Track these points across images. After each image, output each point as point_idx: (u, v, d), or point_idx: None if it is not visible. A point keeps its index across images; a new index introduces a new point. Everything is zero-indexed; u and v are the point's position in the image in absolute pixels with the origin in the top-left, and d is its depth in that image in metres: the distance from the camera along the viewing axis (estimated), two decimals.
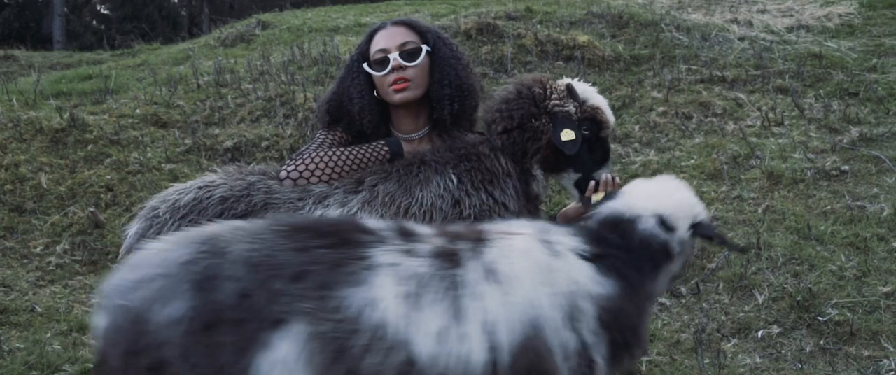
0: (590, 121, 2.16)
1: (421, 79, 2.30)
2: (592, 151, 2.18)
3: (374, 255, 1.50)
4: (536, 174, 2.20)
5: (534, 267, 1.54)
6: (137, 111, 5.06)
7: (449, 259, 1.53)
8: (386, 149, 2.25)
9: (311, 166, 2.17)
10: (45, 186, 4.16)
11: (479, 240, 1.59)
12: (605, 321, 1.56)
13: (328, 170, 2.17)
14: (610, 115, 2.22)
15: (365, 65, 2.32)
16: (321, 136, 2.35)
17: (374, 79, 2.33)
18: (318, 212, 2.04)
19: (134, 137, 4.68)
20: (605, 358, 1.57)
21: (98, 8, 24.63)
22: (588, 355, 1.54)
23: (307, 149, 2.28)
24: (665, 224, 1.75)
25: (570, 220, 2.24)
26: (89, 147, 4.50)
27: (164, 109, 5.12)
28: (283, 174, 2.15)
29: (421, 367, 1.43)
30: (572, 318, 1.53)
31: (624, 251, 1.68)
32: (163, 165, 4.42)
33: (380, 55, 2.30)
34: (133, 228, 2.05)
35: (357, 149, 2.24)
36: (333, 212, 2.03)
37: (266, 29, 8.03)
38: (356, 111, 2.30)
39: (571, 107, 2.15)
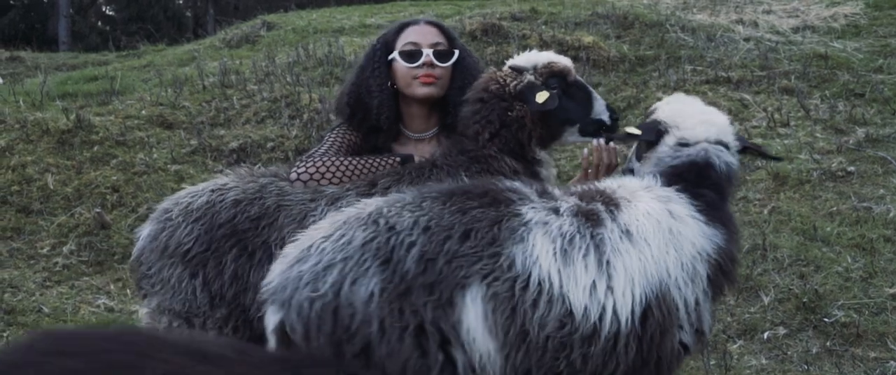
0: (550, 77, 2.18)
1: (445, 80, 2.35)
2: (573, 98, 2.19)
3: (525, 213, 1.62)
4: (541, 157, 2.20)
5: (660, 229, 1.67)
6: (143, 112, 5.07)
7: (589, 218, 1.65)
8: (397, 160, 2.26)
9: (322, 169, 2.19)
10: (51, 187, 4.17)
11: (611, 202, 1.71)
12: (715, 269, 1.71)
13: (339, 175, 2.18)
14: (563, 60, 2.25)
15: (396, 54, 2.33)
16: (330, 138, 2.35)
17: (398, 70, 2.34)
18: (333, 214, 2.04)
19: (140, 138, 4.70)
20: (711, 299, 1.74)
21: (103, 9, 24.70)
22: (702, 305, 1.70)
23: (316, 151, 2.29)
24: (726, 147, 1.89)
25: None
26: (95, 148, 4.52)
27: (169, 110, 5.14)
28: (294, 176, 2.16)
29: (576, 319, 1.54)
30: (693, 277, 1.67)
31: (715, 192, 1.79)
32: (168, 166, 4.43)
33: (411, 48, 2.33)
34: (145, 230, 2.07)
35: (369, 158, 2.25)
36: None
37: (271, 30, 8.04)
38: (375, 104, 2.32)
39: (529, 77, 2.17)
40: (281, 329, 1.57)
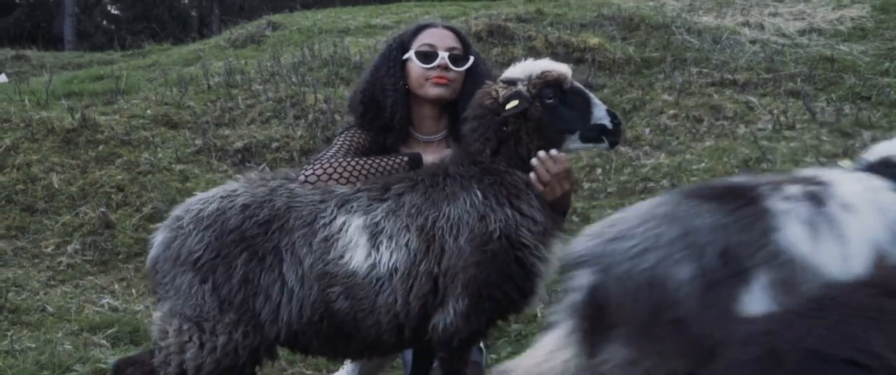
0: (545, 87, 2.12)
1: (458, 84, 2.38)
2: (571, 106, 2.14)
3: (772, 203, 1.82)
4: None
5: (869, 203, 1.86)
6: (148, 112, 5.08)
7: (815, 200, 1.83)
8: (405, 160, 2.28)
9: (330, 170, 2.20)
10: (56, 186, 4.18)
11: (823, 183, 1.88)
12: None
13: (346, 175, 2.20)
14: (558, 68, 2.19)
15: (411, 54, 2.36)
16: (339, 140, 2.37)
17: (412, 70, 2.37)
18: (341, 219, 2.04)
19: (145, 138, 4.70)
20: None
21: (108, 8, 24.75)
22: None
23: (325, 153, 2.31)
24: None
25: None
26: (100, 147, 4.52)
27: (174, 110, 5.14)
28: (302, 178, 2.18)
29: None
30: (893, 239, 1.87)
31: None
32: (173, 166, 4.43)
33: (427, 49, 2.36)
34: (158, 238, 2.09)
35: (377, 159, 2.27)
36: (357, 219, 2.03)
37: (276, 30, 8.05)
38: (389, 104, 2.35)
39: (521, 88, 2.13)
40: (594, 290, 1.85)
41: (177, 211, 2.11)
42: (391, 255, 2.00)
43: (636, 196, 4.30)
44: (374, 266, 2.00)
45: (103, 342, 3.08)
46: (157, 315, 2.08)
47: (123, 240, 3.86)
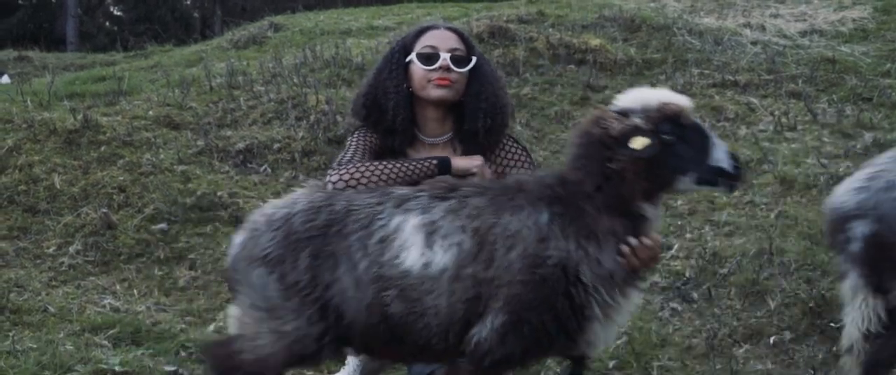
0: (663, 122, 1.94)
1: (460, 85, 2.37)
2: (688, 143, 1.94)
3: None
4: (647, 213, 1.98)
5: None
6: (150, 112, 5.09)
7: None
8: (434, 163, 2.28)
9: (357, 175, 2.22)
10: (58, 187, 4.19)
11: None
12: None
13: (374, 179, 2.21)
14: (678, 100, 2.00)
15: (413, 56, 2.36)
16: (353, 142, 2.39)
17: (414, 72, 2.37)
18: (398, 218, 2.01)
19: (146, 139, 4.71)
20: None
21: (111, 9, 24.78)
22: None
23: (343, 157, 2.33)
24: None
25: None
26: (102, 148, 4.53)
27: (176, 111, 5.15)
28: (329, 184, 2.21)
29: None
30: None
31: None
32: (175, 166, 4.44)
33: (429, 50, 2.36)
34: (238, 238, 2.17)
35: (407, 162, 2.27)
36: (414, 218, 2.00)
37: (278, 31, 8.06)
38: (391, 106, 2.35)
39: (637, 121, 1.95)
40: (871, 238, 2.18)
41: (253, 216, 2.19)
42: (443, 253, 1.95)
43: None
44: (426, 265, 1.95)
45: (105, 342, 3.08)
46: (233, 310, 2.17)
47: (125, 241, 3.87)
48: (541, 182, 2.04)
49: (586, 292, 1.93)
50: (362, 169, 2.22)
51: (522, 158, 2.45)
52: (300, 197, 2.15)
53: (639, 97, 2.00)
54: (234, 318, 2.17)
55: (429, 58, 2.35)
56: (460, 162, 2.32)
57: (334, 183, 2.20)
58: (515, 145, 2.47)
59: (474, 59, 2.39)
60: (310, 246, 2.03)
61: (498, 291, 1.93)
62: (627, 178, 1.93)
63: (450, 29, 2.44)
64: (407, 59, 2.39)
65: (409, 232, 1.98)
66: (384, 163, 2.26)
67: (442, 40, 2.38)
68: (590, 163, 1.97)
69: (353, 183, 2.20)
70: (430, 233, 1.97)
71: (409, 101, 2.38)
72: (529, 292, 1.91)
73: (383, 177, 2.22)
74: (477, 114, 2.35)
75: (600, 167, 1.95)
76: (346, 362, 2.80)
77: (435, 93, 2.34)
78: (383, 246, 1.98)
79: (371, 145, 2.38)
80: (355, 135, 2.42)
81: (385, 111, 2.36)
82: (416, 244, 1.96)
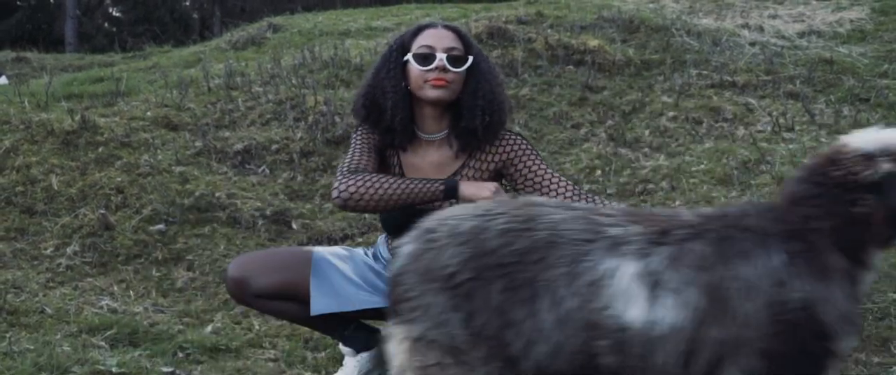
0: None
1: (457, 85, 2.38)
2: None
3: None
4: (873, 262, 1.84)
5: None
6: (148, 113, 5.09)
7: None
8: (441, 188, 2.27)
9: (362, 190, 2.23)
10: (55, 188, 4.19)
11: None
12: None
13: (378, 197, 2.24)
14: None
15: (410, 56, 2.37)
16: (358, 140, 2.42)
17: (411, 72, 2.38)
18: (611, 262, 1.77)
19: (144, 140, 4.71)
20: None
21: (110, 10, 24.79)
22: None
23: (351, 157, 2.36)
24: None
25: None
26: (100, 149, 4.53)
27: (174, 112, 5.15)
28: (335, 194, 2.23)
29: None
30: None
31: None
32: (173, 167, 4.44)
33: (425, 50, 2.37)
34: (406, 248, 1.90)
35: (412, 182, 2.27)
36: (631, 265, 1.76)
37: (277, 32, 8.06)
38: (389, 106, 2.37)
39: (886, 166, 1.79)
40: None
41: (427, 223, 1.92)
42: (674, 312, 1.73)
43: (636, 197, 4.31)
44: (653, 322, 1.73)
45: (102, 343, 3.08)
46: (400, 334, 1.88)
47: (123, 242, 3.87)
48: (765, 217, 1.85)
49: (829, 334, 1.76)
50: (369, 183, 2.24)
51: (527, 150, 2.44)
52: (492, 210, 1.88)
53: (878, 139, 1.85)
54: (395, 343, 1.89)
55: (425, 58, 2.36)
56: (468, 189, 2.29)
57: (340, 192, 2.22)
58: (517, 138, 2.47)
59: (471, 58, 2.40)
60: (504, 275, 1.77)
61: (739, 349, 1.75)
62: (874, 225, 1.78)
63: (447, 27, 2.45)
64: (405, 59, 2.40)
65: (628, 281, 1.75)
66: (389, 180, 2.27)
67: (438, 39, 2.39)
68: (830, 205, 1.81)
69: (357, 196, 2.22)
70: (654, 286, 1.75)
71: (407, 100, 2.39)
72: (780, 343, 1.74)
73: (386, 196, 2.24)
74: (474, 112, 2.36)
75: (843, 210, 1.80)
76: (343, 363, 2.80)
77: (431, 93, 2.36)
78: (594, 290, 1.75)
79: (374, 142, 2.40)
80: (358, 133, 2.44)
81: (384, 110, 2.38)
82: (638, 297, 1.74)
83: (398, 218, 2.38)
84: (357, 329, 2.69)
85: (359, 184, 2.24)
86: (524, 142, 2.47)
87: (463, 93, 2.39)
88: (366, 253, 2.62)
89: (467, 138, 2.40)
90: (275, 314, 2.66)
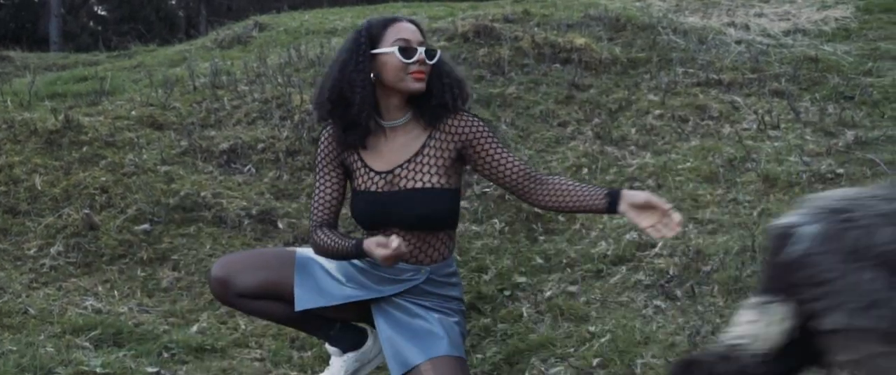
0: None
1: (428, 76, 2.46)
2: None
3: None
4: None
5: None
6: (133, 113, 5.05)
7: None
8: (352, 245, 2.42)
9: (317, 248, 2.55)
10: (39, 188, 4.15)
11: None
12: None
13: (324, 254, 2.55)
14: None
15: (392, 49, 2.41)
16: (322, 150, 2.56)
17: (389, 64, 2.41)
18: None
19: (129, 139, 4.67)
20: None
21: (95, 9, 24.60)
22: None
23: (317, 201, 2.58)
24: None
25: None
26: (84, 148, 4.50)
27: (159, 111, 5.12)
28: (311, 245, 2.56)
29: None
30: None
31: None
32: (158, 167, 4.41)
33: (404, 44, 2.42)
34: (810, 229, 1.75)
35: (335, 243, 2.46)
36: None
37: (263, 31, 8.02)
38: (357, 100, 2.40)
39: None
40: None
41: (826, 202, 1.80)
42: None
43: None
44: None
45: (86, 344, 3.06)
46: (746, 316, 1.80)
47: (107, 242, 3.84)
48: None
49: None
50: (319, 246, 2.51)
51: (486, 132, 2.49)
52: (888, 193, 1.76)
53: None
54: (751, 323, 1.80)
55: (406, 51, 2.40)
56: (369, 244, 2.35)
57: (312, 235, 2.52)
58: (476, 119, 2.52)
59: (439, 52, 2.50)
60: None
61: None
62: None
63: (411, 22, 2.52)
64: (375, 51, 2.43)
65: None
66: (329, 246, 2.48)
67: (412, 34, 2.45)
68: None
69: (312, 244, 2.54)
70: None
71: (374, 93, 2.44)
72: None
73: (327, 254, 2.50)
74: (443, 90, 2.45)
75: None
76: (329, 363, 2.79)
77: (414, 86, 2.41)
78: None
79: (335, 156, 2.53)
80: (322, 139, 2.55)
81: (351, 104, 2.41)
82: None
83: (372, 214, 2.47)
84: (343, 329, 2.70)
85: (314, 240, 2.51)
86: (482, 123, 2.52)
87: (430, 80, 2.46)
88: None
89: (439, 112, 2.47)
90: (259, 314, 2.67)
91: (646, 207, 2.30)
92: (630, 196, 2.32)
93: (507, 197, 4.33)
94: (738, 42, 6.36)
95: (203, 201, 4.15)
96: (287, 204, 4.25)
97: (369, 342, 2.78)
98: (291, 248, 2.69)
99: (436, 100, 2.45)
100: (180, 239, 3.91)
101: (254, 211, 4.13)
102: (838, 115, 4.88)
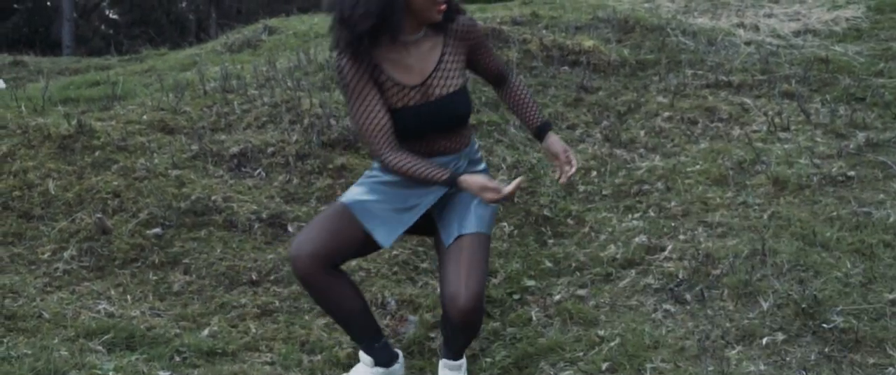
0: None
1: None
2: None
3: None
4: None
5: None
6: (144, 117, 5.09)
7: None
8: (445, 177, 2.55)
9: (397, 166, 2.58)
10: (52, 192, 4.19)
11: None
12: None
13: (401, 174, 2.59)
14: None
15: None
16: (358, 88, 2.59)
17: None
18: None
19: (141, 143, 4.71)
20: None
21: (107, 12, 24.76)
22: None
23: (369, 118, 2.57)
24: None
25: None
26: (96, 153, 4.53)
27: (170, 115, 5.15)
28: (383, 159, 2.58)
29: None
30: None
31: None
32: (169, 171, 4.44)
33: None
34: None
35: (427, 170, 2.55)
36: None
37: (272, 34, 8.06)
38: (396, 19, 2.55)
39: None
40: None
41: None
42: None
43: (631, 198, 4.32)
44: None
45: (99, 348, 3.09)
46: None
47: (119, 246, 3.87)
48: None
49: None
50: (403, 165, 2.56)
51: (483, 38, 2.78)
52: None
53: None
54: None
55: None
56: (465, 181, 2.54)
57: (387, 161, 2.55)
58: (474, 24, 2.72)
59: None
60: None
61: None
62: None
63: None
64: None
65: None
66: (418, 168, 2.56)
67: None
68: None
69: (393, 169, 2.58)
70: None
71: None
72: None
73: (408, 175, 2.58)
74: (452, 9, 2.66)
75: None
76: (355, 368, 2.84)
77: (436, 17, 2.60)
78: None
79: (368, 78, 2.59)
80: (347, 68, 2.58)
81: (389, 21, 2.54)
82: None
83: (414, 127, 2.62)
84: (385, 345, 2.84)
85: (398, 164, 2.56)
86: (479, 28, 2.76)
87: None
88: (369, 175, 2.78)
89: (445, 20, 2.65)
90: (334, 300, 2.71)
91: (556, 156, 2.73)
92: (552, 143, 2.75)
93: (515, 200, 4.34)
94: (748, 43, 6.34)
95: (214, 205, 4.18)
96: (297, 208, 4.28)
97: (398, 365, 2.89)
98: (336, 203, 2.73)
99: (449, 15, 2.63)
100: (191, 243, 3.94)
101: (264, 215, 4.15)
102: (849, 117, 4.86)
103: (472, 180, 2.51)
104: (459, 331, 2.69)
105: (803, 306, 3.13)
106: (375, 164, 2.82)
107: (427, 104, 2.59)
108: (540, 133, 2.78)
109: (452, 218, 2.67)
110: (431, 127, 2.61)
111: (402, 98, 2.59)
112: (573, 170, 2.65)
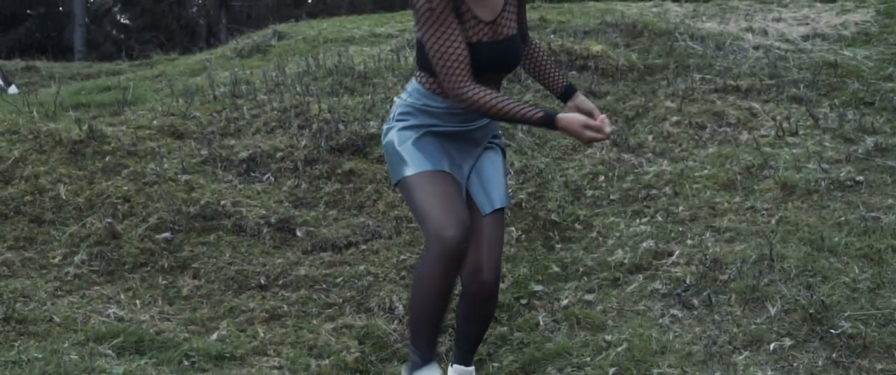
0: None
1: None
2: None
3: None
4: None
5: None
6: (154, 122, 5.13)
7: None
8: (540, 115, 2.46)
9: (481, 102, 2.46)
10: (63, 197, 4.23)
11: None
12: None
13: (485, 112, 2.47)
14: None
15: None
16: (441, 22, 2.50)
17: None
18: None
19: (151, 148, 4.75)
20: None
21: (118, 17, 24.92)
22: None
23: (450, 53, 2.48)
24: None
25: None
26: (107, 158, 4.57)
27: (180, 120, 5.19)
28: (460, 94, 2.46)
29: None
30: None
31: None
32: (179, 176, 4.48)
33: None
34: None
35: (521, 110, 2.46)
36: None
37: (282, 39, 8.10)
38: None
39: None
40: None
41: None
42: None
43: (639, 203, 4.32)
44: None
45: (109, 352, 3.11)
46: None
47: (129, 251, 3.90)
48: None
49: None
50: (489, 101, 2.46)
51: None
52: None
53: None
54: None
55: None
56: (562, 121, 2.44)
57: (464, 94, 2.45)
58: None
59: None
60: None
61: None
62: None
63: None
64: None
65: None
66: (504, 104, 2.46)
67: None
68: None
69: (476, 106, 2.46)
70: None
71: None
72: None
73: (495, 114, 2.48)
74: None
75: None
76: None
77: None
78: None
79: (450, 11, 2.51)
80: (435, 15, 2.49)
81: None
82: None
83: (487, 63, 2.56)
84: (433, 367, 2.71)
85: (483, 99, 2.45)
86: None
87: None
88: (402, 143, 2.63)
89: None
90: (449, 289, 2.56)
91: (591, 112, 2.66)
92: (581, 101, 2.75)
93: (523, 204, 4.35)
94: (756, 47, 6.33)
95: (223, 209, 4.21)
96: (305, 213, 4.30)
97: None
98: (417, 176, 2.57)
99: None
100: (200, 248, 3.97)
101: (272, 220, 4.18)
102: (858, 121, 4.84)
103: (573, 119, 2.40)
104: (476, 310, 2.66)
105: (811, 311, 3.12)
106: (392, 134, 2.66)
107: (496, 42, 2.58)
108: (566, 94, 2.79)
109: (485, 187, 2.66)
110: (496, 65, 2.60)
111: (477, 32, 2.55)
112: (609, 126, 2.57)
